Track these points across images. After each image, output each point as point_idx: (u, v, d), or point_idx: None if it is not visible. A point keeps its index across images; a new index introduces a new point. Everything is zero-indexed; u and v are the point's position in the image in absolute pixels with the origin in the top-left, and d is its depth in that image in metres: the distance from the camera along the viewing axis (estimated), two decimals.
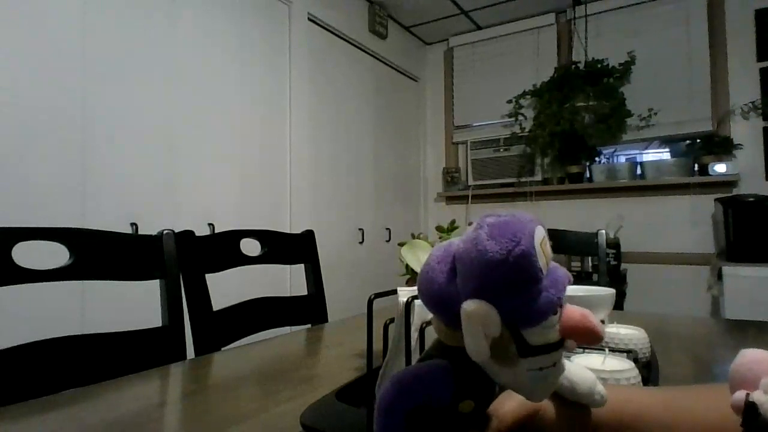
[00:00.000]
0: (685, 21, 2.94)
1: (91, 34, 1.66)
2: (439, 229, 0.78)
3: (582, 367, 0.37)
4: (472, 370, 0.31)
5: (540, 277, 0.28)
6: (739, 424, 0.27)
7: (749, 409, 0.27)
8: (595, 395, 0.35)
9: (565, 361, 0.36)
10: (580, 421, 0.36)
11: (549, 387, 0.32)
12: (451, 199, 3.76)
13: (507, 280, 0.28)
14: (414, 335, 0.48)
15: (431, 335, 0.37)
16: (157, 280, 0.94)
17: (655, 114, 2.92)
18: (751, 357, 0.29)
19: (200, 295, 1.01)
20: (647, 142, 3.23)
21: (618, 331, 0.69)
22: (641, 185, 3.02)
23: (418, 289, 0.33)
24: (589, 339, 0.30)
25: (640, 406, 0.38)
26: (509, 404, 0.35)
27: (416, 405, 0.32)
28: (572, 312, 0.30)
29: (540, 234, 0.29)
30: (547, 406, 0.36)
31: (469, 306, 0.28)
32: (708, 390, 0.41)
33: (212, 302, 1.03)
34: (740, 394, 0.28)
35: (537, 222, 0.30)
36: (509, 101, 3.39)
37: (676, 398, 0.39)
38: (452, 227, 0.77)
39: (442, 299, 0.31)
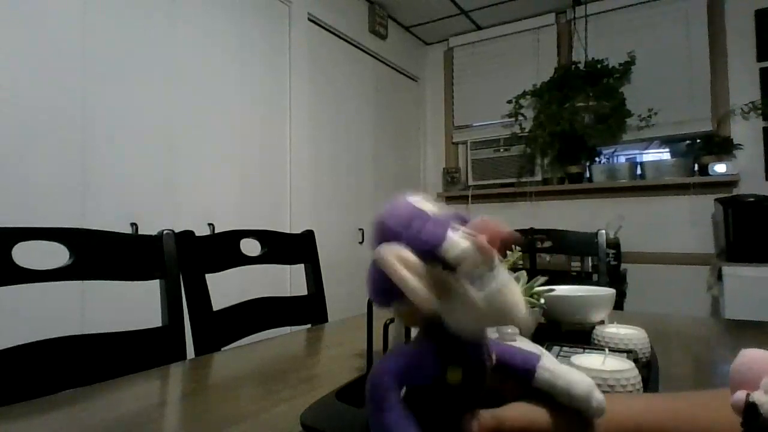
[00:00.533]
0: (685, 21, 2.94)
1: (91, 34, 1.66)
2: None
3: (581, 373, 0.36)
4: (446, 334, 0.33)
5: (417, 211, 0.33)
6: (739, 424, 0.27)
7: (749, 409, 0.27)
8: (593, 401, 0.35)
9: (563, 365, 0.36)
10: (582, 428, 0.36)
11: (509, 302, 0.32)
12: (451, 199, 3.76)
13: (391, 226, 0.33)
14: (414, 335, 0.48)
15: None
16: (157, 280, 0.94)
17: (655, 114, 2.92)
18: (751, 357, 0.29)
19: (200, 295, 1.01)
20: (647, 142, 3.23)
21: (618, 331, 0.69)
22: (641, 185, 3.02)
23: (373, 301, 0.36)
24: (496, 234, 0.32)
25: (640, 417, 0.37)
26: (510, 410, 0.35)
27: (411, 381, 0.34)
28: (474, 220, 0.34)
29: (416, 197, 0.35)
30: (544, 417, 0.35)
31: (375, 254, 0.32)
32: (708, 396, 0.41)
33: (212, 302, 1.03)
34: (740, 395, 0.28)
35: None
36: (509, 101, 3.39)
37: (675, 407, 0.39)
38: None
39: (382, 289, 0.33)
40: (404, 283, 0.30)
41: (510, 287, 0.32)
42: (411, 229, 0.32)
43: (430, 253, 0.31)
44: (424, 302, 0.31)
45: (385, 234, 0.33)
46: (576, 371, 0.36)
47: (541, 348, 0.45)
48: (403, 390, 0.34)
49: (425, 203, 0.34)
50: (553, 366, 0.36)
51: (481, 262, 0.31)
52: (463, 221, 0.34)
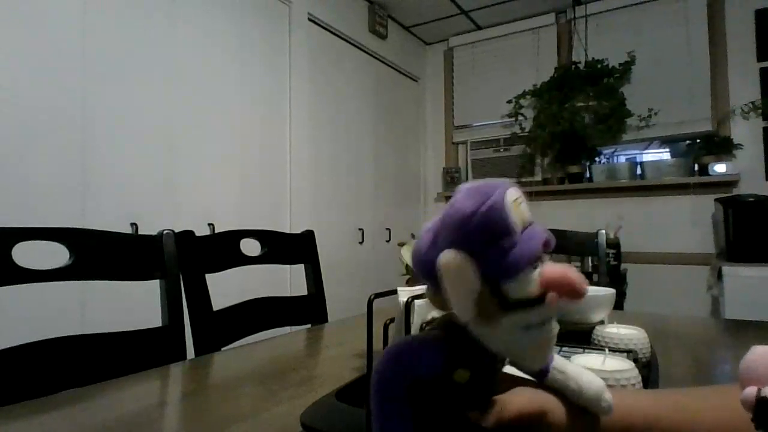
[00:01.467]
0: (685, 21, 2.94)
1: (91, 34, 1.66)
2: None
3: (592, 373, 0.37)
4: (465, 338, 0.32)
5: (512, 229, 0.29)
6: (750, 420, 0.27)
7: (761, 404, 0.27)
8: (602, 402, 0.35)
9: (575, 366, 0.36)
10: (588, 428, 0.36)
11: (541, 350, 0.32)
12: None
13: (479, 232, 0.29)
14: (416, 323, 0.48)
15: None
16: (157, 280, 0.94)
17: (655, 114, 2.92)
18: (761, 352, 0.29)
19: (200, 295, 1.01)
20: (647, 142, 3.23)
21: (618, 331, 0.69)
22: (641, 185, 3.02)
23: (412, 262, 0.34)
24: (570, 292, 0.30)
25: (647, 411, 0.37)
26: (517, 397, 0.35)
27: (412, 378, 0.33)
28: (553, 267, 0.30)
29: (513, 194, 0.30)
30: (556, 409, 0.35)
31: (443, 256, 0.29)
32: (713, 392, 0.41)
33: (212, 302, 1.03)
34: (751, 390, 0.28)
35: (511, 186, 0.31)
36: (509, 101, 3.39)
37: (682, 402, 0.39)
38: None
39: (427, 266, 0.32)
40: (453, 295, 0.30)
41: (548, 335, 0.31)
42: (490, 247, 0.29)
43: (496, 282, 0.30)
44: (461, 314, 0.30)
45: (461, 233, 0.30)
46: (587, 372, 0.36)
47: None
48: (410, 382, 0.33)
49: (517, 209, 0.30)
50: (565, 367, 0.36)
51: (540, 317, 0.30)
52: (547, 245, 0.31)
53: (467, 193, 0.30)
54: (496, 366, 0.35)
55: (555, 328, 0.32)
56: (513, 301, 0.30)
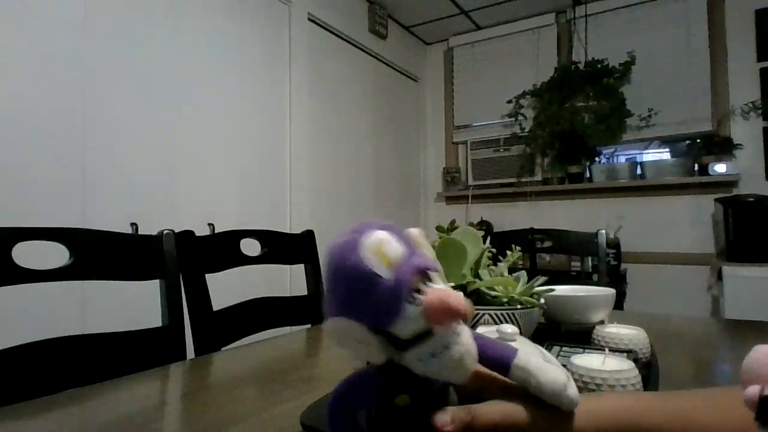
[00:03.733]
0: (685, 21, 2.93)
1: (92, 34, 1.66)
2: (439, 229, 0.78)
3: (556, 370, 0.36)
4: (397, 368, 0.33)
5: (376, 279, 0.30)
6: (753, 419, 0.27)
7: (764, 402, 0.27)
8: (563, 399, 0.35)
9: (538, 362, 0.36)
10: (558, 428, 0.35)
11: (457, 368, 0.32)
12: (451, 199, 3.76)
13: (347, 291, 0.30)
14: None
15: None
16: (157, 280, 0.94)
17: (655, 114, 2.92)
18: (764, 351, 0.29)
19: (200, 295, 1.01)
20: (647, 142, 3.23)
21: (618, 331, 0.69)
22: (641, 185, 3.02)
23: None
24: (453, 318, 0.31)
25: (640, 412, 0.37)
26: (485, 406, 0.35)
27: (358, 408, 0.35)
28: (432, 294, 0.30)
29: (372, 240, 0.31)
30: (524, 415, 0.35)
31: (326, 327, 0.31)
32: (710, 394, 0.41)
33: (212, 302, 1.03)
34: (754, 389, 0.28)
35: (375, 227, 0.32)
36: (509, 101, 3.39)
37: (677, 404, 0.39)
38: (452, 227, 0.77)
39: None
40: (353, 352, 0.32)
41: (460, 358, 0.32)
42: (364, 301, 0.30)
43: (382, 330, 0.31)
44: (372, 360, 0.33)
45: (333, 295, 0.31)
46: (550, 369, 0.35)
47: (527, 343, 0.45)
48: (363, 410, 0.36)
49: (380, 253, 0.31)
50: (527, 364, 0.35)
51: (437, 345, 0.31)
52: (423, 271, 0.31)
53: (330, 254, 0.31)
54: (434, 385, 0.35)
55: (464, 343, 0.32)
56: (406, 340, 0.31)
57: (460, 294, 0.31)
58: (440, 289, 0.31)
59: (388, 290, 0.30)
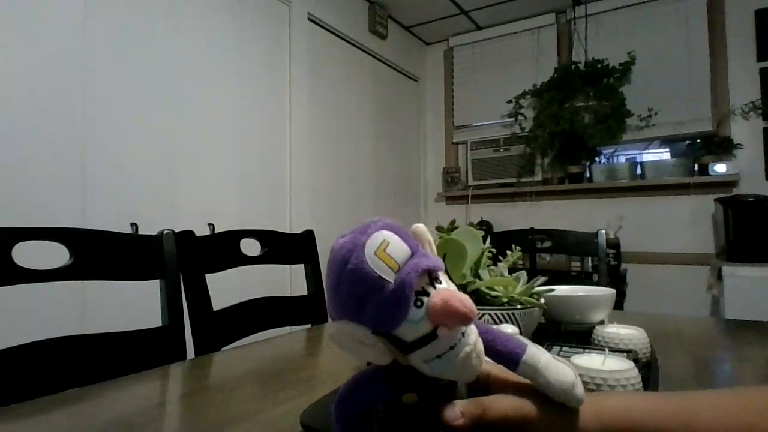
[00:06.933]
0: (685, 21, 2.93)
1: (91, 34, 1.66)
2: (439, 229, 0.78)
3: (565, 368, 0.36)
4: (402, 367, 0.33)
5: (380, 283, 0.29)
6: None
7: None
8: (570, 398, 0.35)
9: (548, 358, 0.36)
10: (565, 424, 0.35)
11: (464, 369, 0.32)
12: (451, 199, 3.76)
13: (350, 295, 0.30)
14: None
15: None
16: (157, 280, 0.94)
17: (655, 114, 2.92)
18: None
19: (200, 295, 1.01)
20: (647, 142, 3.23)
21: (618, 331, 0.69)
22: (641, 185, 3.02)
23: None
24: (458, 321, 0.30)
25: (646, 413, 0.37)
26: (499, 400, 0.35)
27: (365, 407, 0.35)
28: (438, 297, 0.30)
29: (376, 241, 0.30)
30: (533, 409, 0.35)
31: (328, 331, 0.31)
32: (716, 395, 0.41)
33: (212, 302, 1.03)
34: None
35: (377, 228, 0.31)
36: (509, 101, 3.39)
37: (683, 405, 0.39)
38: (452, 227, 0.77)
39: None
40: (359, 356, 0.31)
41: (464, 353, 0.32)
42: (368, 304, 0.30)
43: (386, 333, 0.31)
44: (377, 362, 0.32)
45: (336, 300, 0.31)
46: (560, 367, 0.35)
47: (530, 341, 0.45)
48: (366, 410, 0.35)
49: (383, 255, 0.30)
50: (536, 360, 0.35)
51: (443, 347, 0.31)
52: (430, 271, 0.31)
53: (333, 256, 0.31)
54: (442, 382, 0.35)
55: (470, 344, 0.32)
56: (411, 342, 0.31)
57: (466, 295, 0.30)
58: (445, 291, 0.31)
59: (393, 294, 0.29)
